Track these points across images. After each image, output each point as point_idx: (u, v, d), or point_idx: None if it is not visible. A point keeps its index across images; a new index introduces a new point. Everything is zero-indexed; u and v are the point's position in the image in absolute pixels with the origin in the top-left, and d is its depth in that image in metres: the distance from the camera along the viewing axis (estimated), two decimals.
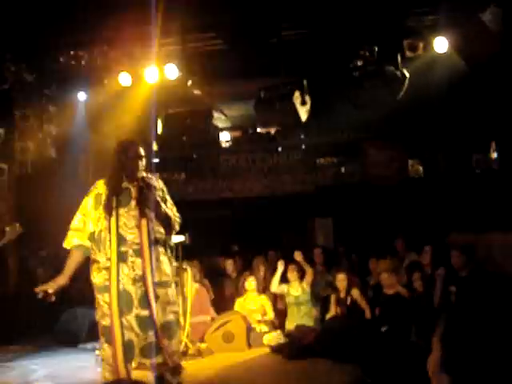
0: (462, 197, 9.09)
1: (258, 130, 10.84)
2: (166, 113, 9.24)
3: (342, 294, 7.49)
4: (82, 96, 9.02)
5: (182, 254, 6.97)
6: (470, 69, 7.47)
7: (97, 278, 4.37)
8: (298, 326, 7.53)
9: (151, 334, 4.32)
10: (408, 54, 7.66)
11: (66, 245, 4.48)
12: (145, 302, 4.32)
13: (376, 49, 7.70)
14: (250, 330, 7.55)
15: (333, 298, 7.60)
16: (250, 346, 7.43)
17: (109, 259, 4.31)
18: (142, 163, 4.51)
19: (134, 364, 4.44)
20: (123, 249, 4.33)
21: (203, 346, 7.28)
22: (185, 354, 6.61)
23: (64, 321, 8.12)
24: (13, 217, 8.74)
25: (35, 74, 8.27)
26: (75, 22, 7.54)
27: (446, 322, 2.15)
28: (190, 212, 5.30)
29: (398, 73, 7.65)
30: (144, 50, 8.17)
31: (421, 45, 7.63)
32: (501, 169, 9.06)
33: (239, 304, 7.99)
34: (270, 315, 7.89)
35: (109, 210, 4.36)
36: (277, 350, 7.04)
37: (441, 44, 7.48)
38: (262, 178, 10.92)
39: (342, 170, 10.56)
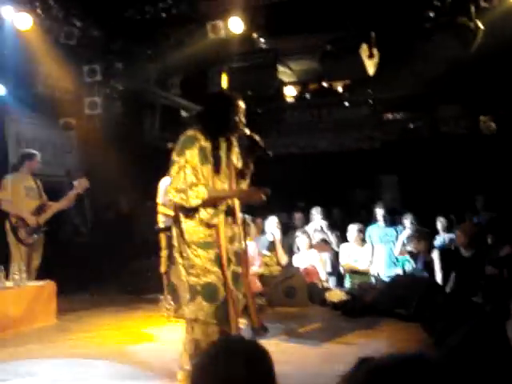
0: None
1: (324, 84, 10.59)
2: (229, 66, 9.15)
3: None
4: (147, 52, 9.03)
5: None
6: None
7: (197, 233, 4.22)
8: (360, 284, 7.49)
9: (242, 291, 4.36)
10: (482, 4, 7.28)
11: (189, 204, 4.12)
12: (238, 259, 4.36)
13: None
14: (312, 285, 7.56)
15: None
16: (311, 301, 7.45)
17: (215, 215, 4.21)
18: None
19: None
20: (222, 207, 4.29)
21: (263, 299, 7.34)
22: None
23: (130, 271, 8.36)
24: (81, 171, 8.96)
25: (102, 29, 8.32)
26: None
27: None
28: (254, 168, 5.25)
29: (472, 24, 7.28)
30: (209, 4, 8.10)
31: None
32: None
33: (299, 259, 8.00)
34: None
35: (218, 170, 4.26)
36: (338, 306, 7.03)
37: None
38: (328, 133, 10.73)
39: (411, 125, 10.25)
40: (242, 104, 4.36)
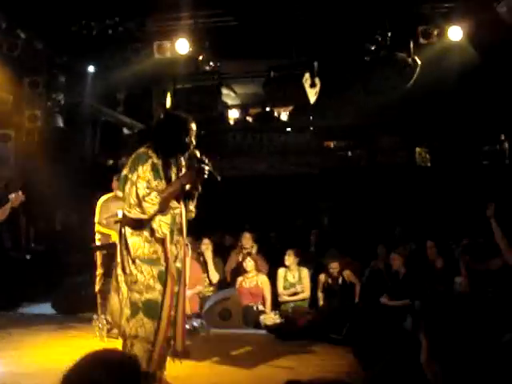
0: (468, 188, 9.06)
1: (267, 109, 10.76)
2: (174, 87, 9.19)
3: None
4: (91, 67, 8.98)
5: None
6: (482, 59, 7.41)
7: (143, 248, 4.26)
8: (294, 308, 7.57)
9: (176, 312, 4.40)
10: (421, 40, 7.59)
11: (147, 215, 4.18)
12: (179, 278, 4.41)
13: (389, 34, 7.63)
14: (247, 308, 7.60)
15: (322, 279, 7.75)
16: (246, 324, 7.48)
17: (163, 233, 4.25)
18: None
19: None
20: (173, 224, 4.33)
21: (199, 322, 7.33)
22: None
23: (64, 289, 8.20)
24: (17, 184, 8.77)
25: (45, 42, 8.23)
26: None
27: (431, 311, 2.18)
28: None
29: (410, 60, 7.57)
30: (156, 24, 8.15)
31: (435, 32, 7.55)
32: (511, 162, 9.01)
33: (239, 282, 8.04)
34: (267, 296, 7.95)
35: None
36: (272, 330, 7.08)
37: (455, 32, 7.40)
38: (268, 157, 10.88)
39: (349, 154, 10.52)
40: (193, 126, 4.46)
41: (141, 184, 4.16)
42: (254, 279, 7.98)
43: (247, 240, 8.67)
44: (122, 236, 4.34)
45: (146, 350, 4.20)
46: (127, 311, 4.23)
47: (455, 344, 1.96)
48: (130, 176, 4.22)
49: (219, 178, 4.55)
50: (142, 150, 4.34)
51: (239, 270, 8.23)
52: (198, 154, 4.49)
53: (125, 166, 4.37)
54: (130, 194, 4.18)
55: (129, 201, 4.19)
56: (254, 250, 8.55)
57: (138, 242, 4.25)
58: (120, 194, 4.32)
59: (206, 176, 4.41)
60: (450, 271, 7.16)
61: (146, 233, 4.26)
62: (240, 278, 8.05)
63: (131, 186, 4.18)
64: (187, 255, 7.63)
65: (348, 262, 8.11)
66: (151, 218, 4.21)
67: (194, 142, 4.46)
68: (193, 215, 4.59)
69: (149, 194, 4.15)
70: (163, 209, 4.23)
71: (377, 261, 8.43)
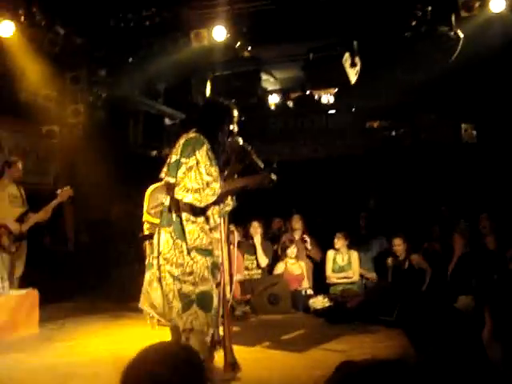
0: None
1: (307, 92, 10.64)
2: (213, 75, 9.18)
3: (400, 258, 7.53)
4: (130, 59, 9.03)
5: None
6: None
7: (201, 238, 4.19)
8: (343, 290, 7.53)
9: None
10: (463, 13, 7.37)
11: (203, 203, 4.12)
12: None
13: (430, 8, 7.44)
14: (295, 292, 7.59)
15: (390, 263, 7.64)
16: (295, 308, 7.47)
17: (215, 221, 4.26)
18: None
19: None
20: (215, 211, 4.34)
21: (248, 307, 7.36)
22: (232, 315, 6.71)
23: (115, 279, 8.32)
24: (65, 179, 8.92)
25: (84, 36, 8.31)
26: None
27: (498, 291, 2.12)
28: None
29: (452, 33, 7.37)
30: (192, 12, 8.13)
31: (476, 4, 7.31)
32: None
33: (283, 268, 8.04)
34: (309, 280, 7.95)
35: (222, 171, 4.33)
36: (321, 313, 7.06)
37: (497, 3, 7.16)
38: (311, 141, 10.79)
39: (393, 133, 10.33)
40: (235, 112, 4.46)
41: (203, 169, 4.10)
42: (297, 265, 7.97)
43: (296, 221, 8.67)
44: (172, 224, 4.23)
45: (201, 341, 4.17)
46: (177, 304, 4.15)
47: None
48: (184, 161, 4.14)
49: (262, 165, 4.52)
50: (193, 135, 4.28)
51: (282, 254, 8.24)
52: (241, 141, 4.48)
53: (173, 152, 4.31)
54: (189, 178, 4.09)
55: (185, 185, 4.09)
56: (299, 233, 8.54)
57: (195, 231, 4.17)
58: (171, 179, 4.23)
59: (245, 163, 4.41)
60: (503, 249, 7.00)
61: (200, 221, 4.20)
62: (281, 264, 8.02)
63: (188, 171, 4.11)
64: (233, 243, 7.72)
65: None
66: (206, 206, 4.17)
67: (237, 128, 4.44)
68: (229, 208, 4.52)
69: (211, 182, 4.09)
70: (218, 201, 4.21)
71: (431, 242, 8.28)
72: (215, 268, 4.34)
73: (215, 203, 4.22)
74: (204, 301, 4.17)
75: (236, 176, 4.52)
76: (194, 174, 4.10)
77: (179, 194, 4.12)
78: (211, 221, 4.27)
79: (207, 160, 4.16)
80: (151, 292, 4.30)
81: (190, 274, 4.14)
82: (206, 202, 4.11)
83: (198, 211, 4.19)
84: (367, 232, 9.05)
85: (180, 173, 4.13)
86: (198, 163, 4.12)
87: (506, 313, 1.95)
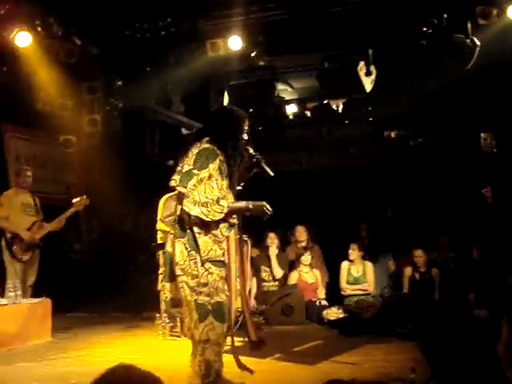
0: None
1: (325, 101, 10.59)
2: (229, 84, 9.18)
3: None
4: (147, 70, 9.09)
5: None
6: None
7: (215, 250, 4.14)
8: (357, 302, 7.44)
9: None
10: (480, 21, 7.27)
11: (210, 218, 4.07)
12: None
13: (446, 16, 7.36)
14: (309, 303, 7.52)
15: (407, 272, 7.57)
16: (309, 319, 7.40)
17: (227, 229, 4.20)
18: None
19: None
20: (233, 220, 4.28)
21: (261, 318, 7.32)
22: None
23: (129, 289, 8.33)
24: (81, 188, 8.98)
25: (100, 47, 8.37)
26: None
27: None
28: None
29: (469, 41, 7.28)
30: (208, 22, 8.16)
31: (494, 12, 7.22)
32: None
33: (297, 278, 7.98)
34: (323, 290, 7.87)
35: (233, 185, 4.30)
36: (335, 325, 6.98)
37: None
38: (328, 150, 10.74)
39: (411, 142, 10.23)
40: (246, 121, 4.41)
41: (214, 184, 4.05)
42: (311, 274, 7.91)
43: (301, 233, 8.60)
44: (185, 235, 4.16)
45: (217, 352, 4.14)
46: (195, 315, 4.10)
47: None
48: (196, 172, 4.07)
49: (272, 174, 4.49)
50: (206, 145, 4.21)
51: (293, 265, 8.17)
52: (251, 150, 4.45)
53: (184, 161, 4.22)
54: (198, 191, 4.03)
55: (194, 198, 4.03)
56: (304, 243, 8.47)
57: (208, 243, 4.12)
58: (183, 189, 4.15)
59: (256, 172, 4.38)
60: None
61: (212, 233, 4.14)
62: (295, 274, 7.96)
63: (199, 183, 4.04)
64: (247, 254, 7.68)
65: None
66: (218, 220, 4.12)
67: (247, 137, 4.41)
68: (236, 221, 4.41)
69: (221, 198, 4.05)
70: (223, 220, 4.15)
71: (440, 252, 8.18)
72: (227, 278, 4.31)
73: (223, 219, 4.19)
74: (220, 312, 4.12)
75: (243, 183, 4.50)
76: (204, 187, 4.04)
77: (187, 206, 4.06)
78: (219, 235, 4.23)
79: (219, 174, 4.11)
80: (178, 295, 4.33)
81: (205, 285, 4.09)
82: (213, 218, 4.05)
83: (209, 223, 4.13)
84: (370, 243, 8.95)
85: (190, 184, 4.07)
86: (210, 177, 4.07)
87: None
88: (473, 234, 8.33)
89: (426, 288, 7.46)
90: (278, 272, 8.21)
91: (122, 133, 9.44)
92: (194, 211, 4.03)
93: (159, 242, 6.93)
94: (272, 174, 4.50)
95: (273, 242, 8.40)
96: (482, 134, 9.60)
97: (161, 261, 6.87)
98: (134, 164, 9.66)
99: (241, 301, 4.49)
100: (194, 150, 4.22)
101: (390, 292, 8.00)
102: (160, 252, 6.88)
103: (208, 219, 4.05)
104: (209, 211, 4.02)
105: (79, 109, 8.96)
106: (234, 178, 4.36)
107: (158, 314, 6.79)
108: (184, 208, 4.10)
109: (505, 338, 1.89)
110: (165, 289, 4.51)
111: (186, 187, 4.10)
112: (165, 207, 6.91)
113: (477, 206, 8.83)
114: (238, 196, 4.43)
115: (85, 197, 7.50)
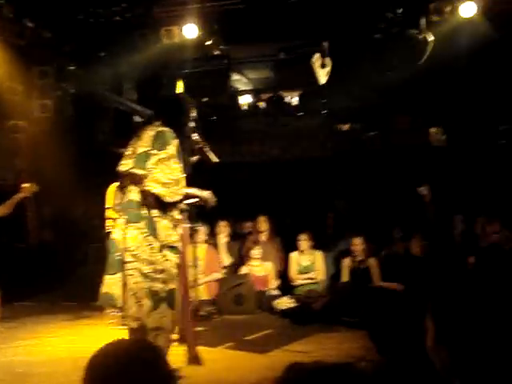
0: (485, 168, 8.89)
1: (279, 93, 10.61)
2: (183, 72, 9.10)
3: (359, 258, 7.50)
4: (100, 55, 8.91)
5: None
6: (497, 34, 7.23)
7: (172, 235, 4.16)
8: (309, 291, 7.50)
9: None
10: (433, 17, 7.41)
11: (171, 198, 4.12)
12: None
13: (400, 11, 7.47)
14: (260, 293, 7.55)
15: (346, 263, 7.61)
16: (260, 309, 7.43)
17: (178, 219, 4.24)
18: None
19: None
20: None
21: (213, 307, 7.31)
22: (196, 314, 6.63)
23: (77, 278, 8.20)
24: (29, 174, 8.75)
25: (53, 31, 8.17)
26: None
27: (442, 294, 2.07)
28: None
29: (422, 36, 7.40)
30: (163, 9, 8.06)
31: (447, 8, 7.36)
32: None
33: (247, 270, 8.00)
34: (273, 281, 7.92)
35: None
36: (287, 314, 7.02)
37: (467, 9, 7.20)
38: (281, 142, 10.77)
39: (363, 136, 10.35)
40: (193, 110, 4.47)
41: (174, 165, 4.08)
42: (261, 268, 7.93)
43: (262, 223, 8.63)
44: (141, 219, 4.10)
45: (168, 340, 4.17)
46: (148, 302, 4.05)
47: (464, 327, 1.86)
48: (155, 152, 4.08)
49: (217, 160, 4.55)
50: (164, 128, 4.23)
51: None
52: (196, 137, 4.55)
53: (137, 144, 4.22)
54: (159, 170, 4.03)
55: (154, 177, 4.03)
56: (266, 235, 8.50)
57: (167, 228, 4.11)
58: (139, 171, 4.09)
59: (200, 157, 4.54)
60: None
61: (171, 217, 4.16)
62: (245, 268, 7.98)
63: (158, 163, 4.05)
64: (201, 241, 7.66)
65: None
66: (171, 203, 4.12)
67: (194, 125, 4.49)
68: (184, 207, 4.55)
69: (181, 180, 4.10)
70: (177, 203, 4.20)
71: (392, 245, 8.29)
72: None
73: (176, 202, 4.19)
74: (172, 299, 4.14)
75: (189, 169, 4.49)
76: (165, 167, 4.05)
77: (149, 185, 4.05)
78: (175, 218, 4.25)
79: (177, 156, 4.13)
80: (113, 290, 4.17)
81: (162, 271, 4.07)
82: (172, 199, 4.08)
83: (167, 207, 4.13)
84: (334, 232, 9.04)
85: (150, 164, 4.06)
86: (169, 158, 4.08)
87: (449, 316, 1.91)
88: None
89: (365, 277, 7.55)
90: (226, 259, 8.23)
91: (73, 118, 9.23)
92: (156, 190, 4.02)
93: (109, 230, 6.85)
94: (216, 160, 4.58)
95: (221, 230, 8.42)
96: (431, 129, 9.80)
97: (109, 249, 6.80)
98: (86, 151, 9.48)
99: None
100: (150, 133, 4.23)
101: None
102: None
103: (168, 199, 4.07)
104: (171, 192, 4.05)
105: (30, 93, 8.73)
106: (182, 163, 4.37)
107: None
108: (145, 188, 4.06)
109: (431, 332, 1.93)
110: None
111: (143, 168, 4.06)
112: (116, 195, 6.82)
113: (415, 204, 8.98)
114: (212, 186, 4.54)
115: (33, 183, 7.32)
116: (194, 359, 4.74)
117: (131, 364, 1.60)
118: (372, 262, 7.42)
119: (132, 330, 4.17)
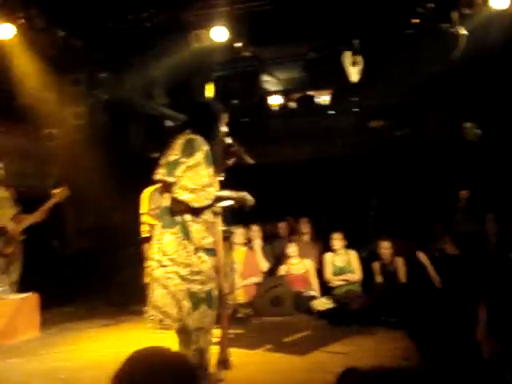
0: None
1: (309, 93, 10.56)
2: (214, 75, 9.13)
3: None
4: (131, 61, 8.99)
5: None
6: None
7: (207, 238, 4.26)
8: (346, 292, 7.45)
9: None
10: (465, 10, 7.30)
11: (199, 204, 4.18)
12: None
13: (432, 5, 7.37)
14: (298, 294, 7.52)
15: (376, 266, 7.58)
16: (297, 310, 7.40)
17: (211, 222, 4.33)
18: None
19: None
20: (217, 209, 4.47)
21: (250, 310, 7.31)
22: (233, 317, 6.65)
23: (116, 283, 8.27)
24: (65, 181, 8.86)
25: (83, 38, 8.27)
26: None
27: (494, 286, 2.04)
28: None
29: (455, 30, 7.30)
30: (192, 13, 8.09)
31: (479, 1, 7.24)
32: None
33: (286, 270, 7.97)
34: (313, 280, 7.87)
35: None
36: (325, 315, 6.98)
37: (498, 0, 7.06)
38: (313, 141, 10.72)
39: (396, 132, 10.25)
40: (225, 114, 4.51)
41: (202, 171, 4.14)
42: (300, 266, 7.90)
43: (305, 225, 8.62)
44: (175, 224, 4.19)
45: (209, 341, 4.24)
46: (187, 304, 4.13)
47: None
48: (184, 160, 4.15)
49: (252, 162, 4.65)
50: (192, 136, 4.27)
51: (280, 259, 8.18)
52: (229, 141, 4.58)
53: (169, 153, 4.28)
54: (187, 178, 4.11)
55: (183, 184, 4.12)
56: (308, 236, 8.49)
57: (201, 231, 4.20)
58: (171, 179, 4.17)
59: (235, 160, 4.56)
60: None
61: (204, 220, 4.24)
62: (284, 266, 7.96)
63: (187, 170, 4.12)
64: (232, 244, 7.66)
65: (400, 243, 7.90)
66: (202, 208, 4.20)
67: (225, 130, 4.53)
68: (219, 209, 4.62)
69: (209, 185, 4.15)
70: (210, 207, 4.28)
71: (436, 241, 8.19)
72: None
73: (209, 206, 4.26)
74: (211, 299, 4.22)
75: (223, 173, 4.57)
76: (193, 173, 4.12)
77: (177, 192, 4.14)
78: (208, 221, 4.31)
79: (206, 162, 4.19)
80: (153, 293, 4.27)
81: (199, 273, 4.16)
82: (201, 205, 4.15)
83: (199, 212, 4.21)
84: (375, 231, 8.96)
85: (179, 172, 4.14)
86: (197, 164, 4.15)
87: (502, 308, 1.88)
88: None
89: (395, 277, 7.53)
90: (264, 265, 8.19)
91: (106, 125, 9.34)
92: (183, 196, 4.12)
93: (146, 235, 6.90)
94: (252, 162, 4.64)
95: (256, 234, 8.40)
96: (465, 124, 9.66)
97: (147, 254, 6.84)
98: (119, 157, 9.57)
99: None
100: (180, 141, 4.29)
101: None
102: (146, 244, 6.85)
103: (196, 205, 4.15)
104: (198, 197, 4.12)
105: (63, 102, 8.84)
106: (216, 167, 4.40)
107: (146, 307, 6.74)
108: (174, 195, 4.17)
109: (483, 324, 1.89)
110: None
111: (174, 176, 4.17)
112: (151, 200, 6.87)
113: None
114: (221, 186, 4.52)
115: (65, 188, 7.41)
116: (223, 363, 4.75)
117: (164, 379, 1.60)
118: (399, 261, 7.44)
119: (178, 332, 4.26)
